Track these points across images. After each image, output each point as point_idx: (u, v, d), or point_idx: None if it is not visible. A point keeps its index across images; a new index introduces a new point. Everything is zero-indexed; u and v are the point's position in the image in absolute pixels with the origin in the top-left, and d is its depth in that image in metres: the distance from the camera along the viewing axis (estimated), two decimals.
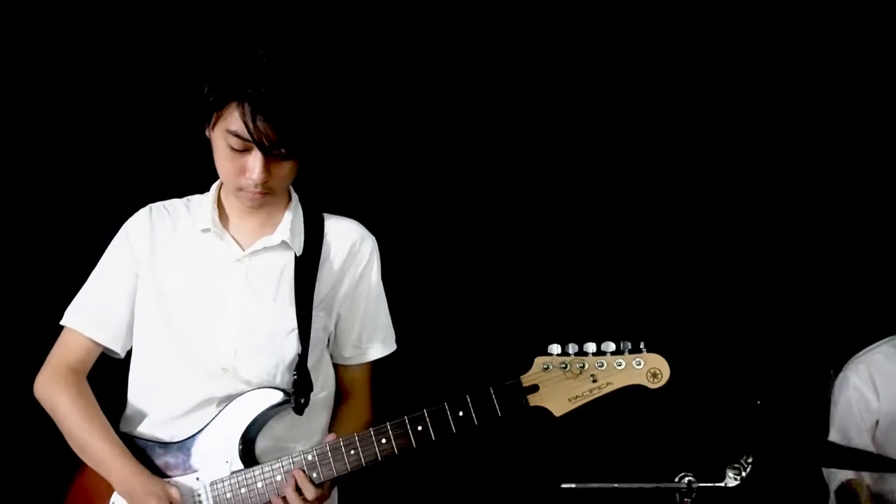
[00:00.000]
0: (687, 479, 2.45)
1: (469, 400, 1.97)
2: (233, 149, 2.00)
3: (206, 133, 2.10)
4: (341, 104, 2.32)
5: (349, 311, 2.25)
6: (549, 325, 2.88)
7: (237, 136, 1.97)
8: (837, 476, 3.02)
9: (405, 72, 3.70)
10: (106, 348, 2.21)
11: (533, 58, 3.76)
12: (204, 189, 2.38)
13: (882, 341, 3.08)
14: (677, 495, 2.46)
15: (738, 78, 3.77)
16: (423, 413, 1.99)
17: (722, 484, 2.44)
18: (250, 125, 1.94)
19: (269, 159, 1.99)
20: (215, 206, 2.20)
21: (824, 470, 3.08)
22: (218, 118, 2.02)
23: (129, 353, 2.30)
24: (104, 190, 3.51)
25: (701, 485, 2.44)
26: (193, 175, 3.50)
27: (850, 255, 3.67)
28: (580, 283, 3.62)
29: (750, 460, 2.45)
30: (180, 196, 2.50)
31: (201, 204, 2.24)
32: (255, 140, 1.95)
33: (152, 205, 2.28)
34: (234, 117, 1.97)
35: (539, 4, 3.72)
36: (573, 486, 2.55)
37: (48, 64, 3.51)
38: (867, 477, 2.99)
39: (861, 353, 3.08)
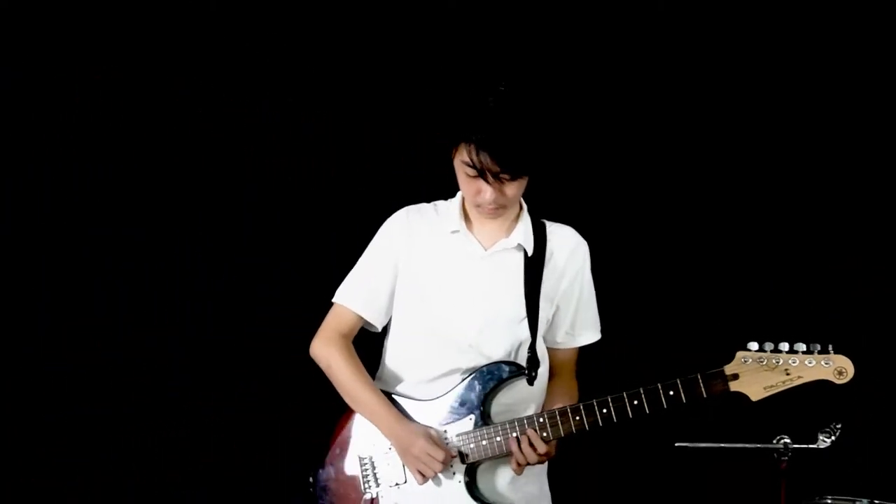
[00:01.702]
0: (783, 441, 2.89)
1: (679, 382, 2.37)
2: (468, 175, 2.38)
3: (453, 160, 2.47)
4: (552, 127, 2.60)
5: (566, 303, 2.61)
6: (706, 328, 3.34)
7: (470, 166, 2.35)
8: None
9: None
10: (368, 323, 2.60)
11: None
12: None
13: None
14: (775, 454, 2.88)
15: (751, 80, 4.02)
16: (640, 390, 2.36)
17: (814, 446, 2.86)
18: (475, 160, 2.32)
19: (498, 182, 2.37)
20: (461, 212, 2.57)
21: None
22: (455, 151, 2.40)
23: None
24: (104, 190, 3.65)
25: (795, 446, 2.87)
26: (195, 174, 3.74)
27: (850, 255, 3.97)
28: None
29: (839, 426, 2.87)
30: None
31: (448, 209, 2.60)
32: (480, 172, 2.33)
33: (408, 207, 2.64)
34: (465, 153, 2.35)
35: None
36: (686, 444, 2.98)
37: (48, 64, 3.57)
38: None
39: None
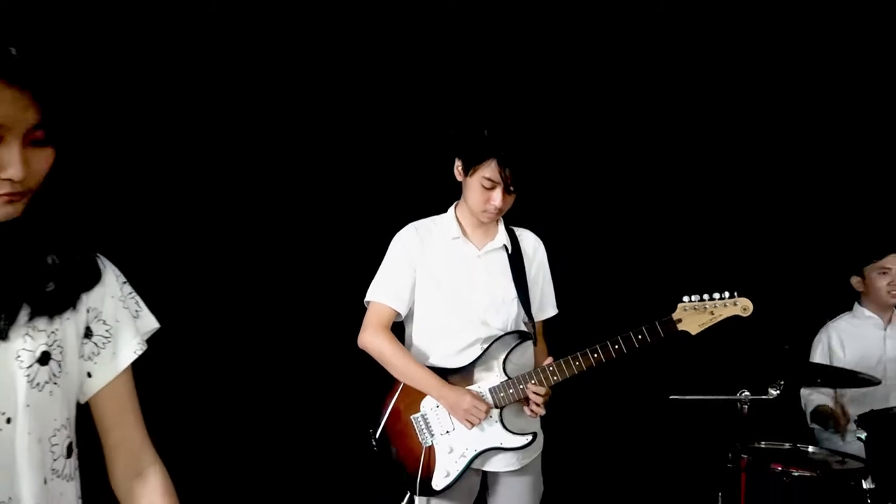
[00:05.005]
0: (744, 393, 3.67)
1: (643, 328, 3.08)
2: (484, 187, 3.04)
3: (458, 177, 3.12)
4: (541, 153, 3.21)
5: (534, 287, 3.29)
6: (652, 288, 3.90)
7: (490, 180, 3.01)
8: (813, 402, 4.27)
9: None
10: (397, 314, 3.18)
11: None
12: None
13: (843, 314, 4.45)
14: (738, 403, 3.66)
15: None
16: (618, 337, 3.07)
17: (766, 396, 3.65)
18: (503, 174, 2.99)
19: (508, 192, 3.04)
20: (457, 222, 3.23)
21: (802, 400, 4.30)
22: (476, 169, 3.04)
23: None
24: (104, 190, 3.74)
25: (753, 397, 3.64)
26: (196, 173, 4.12)
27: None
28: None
29: (782, 382, 3.68)
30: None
31: (445, 221, 3.24)
32: (504, 183, 3.01)
33: (413, 223, 3.24)
34: (490, 168, 3.00)
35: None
36: (678, 397, 3.71)
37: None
38: (830, 401, 4.22)
39: (830, 321, 4.43)
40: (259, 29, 4.13)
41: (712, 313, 3.18)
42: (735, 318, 3.18)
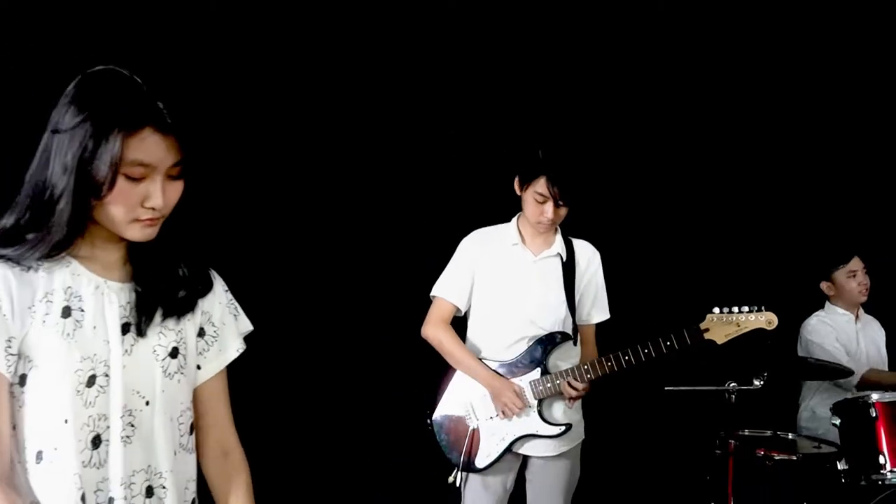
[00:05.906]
0: (732, 384, 3.94)
1: (672, 335, 3.36)
2: (537, 201, 3.33)
3: (517, 191, 3.41)
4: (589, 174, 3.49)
5: (586, 294, 3.55)
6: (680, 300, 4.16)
7: (541, 195, 3.31)
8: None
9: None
10: (458, 309, 3.51)
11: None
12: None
13: (816, 312, 4.76)
14: (726, 393, 3.93)
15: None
16: (648, 343, 3.33)
17: (751, 387, 3.92)
18: (552, 190, 3.29)
19: (557, 206, 3.32)
20: (518, 230, 3.50)
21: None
22: (529, 185, 3.34)
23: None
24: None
25: (739, 387, 3.91)
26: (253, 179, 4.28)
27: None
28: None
29: (766, 374, 3.96)
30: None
31: (507, 229, 3.51)
32: (553, 198, 3.31)
33: (478, 230, 3.54)
34: (540, 185, 3.30)
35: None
36: (672, 388, 3.98)
37: (47, 63, 3.56)
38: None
39: (809, 318, 4.72)
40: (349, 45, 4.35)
41: (738, 325, 3.44)
42: (760, 330, 3.45)
